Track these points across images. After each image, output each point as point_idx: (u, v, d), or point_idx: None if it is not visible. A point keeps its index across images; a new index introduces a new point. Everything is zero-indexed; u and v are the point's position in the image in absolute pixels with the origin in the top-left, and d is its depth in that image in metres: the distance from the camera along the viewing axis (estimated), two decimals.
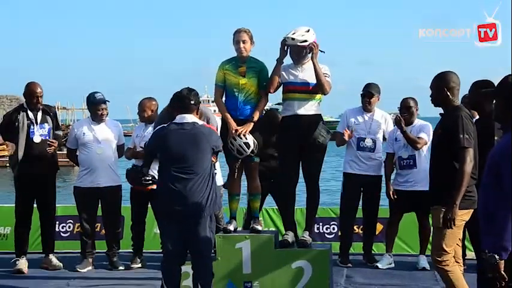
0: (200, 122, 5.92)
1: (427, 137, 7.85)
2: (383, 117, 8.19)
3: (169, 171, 5.74)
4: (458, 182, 5.18)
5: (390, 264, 8.00)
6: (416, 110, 8.07)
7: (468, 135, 5.23)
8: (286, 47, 6.32)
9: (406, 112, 7.98)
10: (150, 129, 7.65)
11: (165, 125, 5.99)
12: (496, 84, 5.93)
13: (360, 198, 8.17)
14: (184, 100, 5.92)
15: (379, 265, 7.94)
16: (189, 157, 5.68)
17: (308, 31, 6.27)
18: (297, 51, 6.30)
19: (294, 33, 6.24)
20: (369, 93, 8.07)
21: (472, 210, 5.27)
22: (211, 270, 5.80)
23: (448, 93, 5.40)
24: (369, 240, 8.29)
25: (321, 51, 6.35)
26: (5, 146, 7.44)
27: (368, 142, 8.02)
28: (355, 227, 8.63)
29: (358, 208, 8.22)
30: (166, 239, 5.85)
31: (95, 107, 8.01)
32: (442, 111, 5.57)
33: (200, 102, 6.10)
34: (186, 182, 5.66)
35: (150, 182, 6.25)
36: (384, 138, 8.19)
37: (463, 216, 5.25)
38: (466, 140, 5.21)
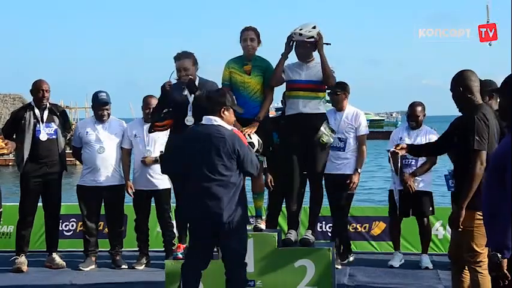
0: (225, 125, 5.63)
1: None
2: (354, 114, 7.96)
3: (189, 175, 5.60)
4: (467, 185, 5.11)
5: (401, 261, 8.01)
6: (424, 115, 8.06)
7: (480, 137, 5.13)
8: (291, 42, 6.33)
9: (414, 121, 8.00)
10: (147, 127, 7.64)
11: (193, 125, 5.98)
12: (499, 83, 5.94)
13: (331, 197, 8.02)
14: (207, 101, 5.81)
15: (393, 263, 7.94)
16: (205, 160, 5.48)
17: (314, 27, 6.30)
18: (303, 47, 6.32)
19: (301, 29, 6.27)
20: (333, 91, 7.90)
21: None
22: (244, 278, 5.64)
23: (465, 91, 5.30)
24: (335, 238, 8.02)
25: (326, 44, 6.36)
26: (3, 144, 7.35)
27: (335, 141, 7.62)
28: (357, 226, 8.73)
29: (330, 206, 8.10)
30: (194, 247, 5.70)
31: (98, 107, 8.03)
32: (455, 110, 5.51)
33: (228, 104, 5.73)
34: (206, 188, 5.46)
35: (162, 115, 6.38)
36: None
37: None
38: (477, 142, 5.12)
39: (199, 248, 5.64)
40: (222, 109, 5.63)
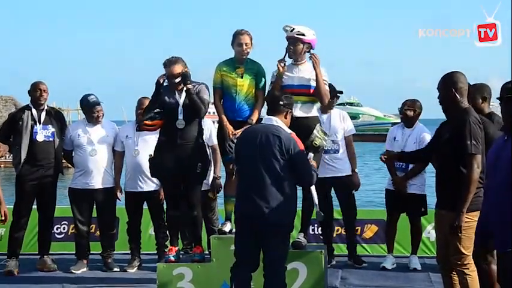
0: (284, 127, 5.65)
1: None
2: (341, 116, 8.03)
3: (245, 173, 5.63)
4: (465, 190, 5.13)
5: (393, 264, 8.02)
6: (415, 112, 8.02)
7: (476, 141, 5.16)
8: (283, 65, 6.36)
9: (404, 118, 8.03)
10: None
11: (253, 125, 6.01)
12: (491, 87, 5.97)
13: (331, 200, 8.12)
14: (275, 101, 5.81)
15: (386, 265, 7.95)
16: (260, 158, 5.47)
17: (309, 30, 6.36)
18: (293, 43, 6.35)
19: (294, 27, 6.34)
20: (340, 92, 7.99)
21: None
22: (283, 280, 5.58)
23: (456, 94, 5.32)
24: (351, 241, 8.23)
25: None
26: None
27: (329, 144, 7.72)
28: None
29: (333, 209, 8.24)
30: (240, 245, 5.66)
31: (90, 109, 7.99)
32: (444, 112, 5.52)
33: (291, 107, 5.82)
34: (259, 186, 5.45)
35: (153, 114, 6.38)
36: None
37: (473, 217, 5.25)
38: (473, 146, 5.14)
39: (246, 247, 5.60)
40: (288, 112, 5.73)
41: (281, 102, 5.73)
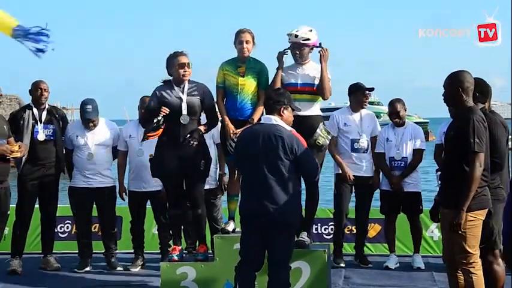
0: (284, 125, 5.63)
1: (424, 144, 8.01)
2: (369, 115, 8.08)
3: (247, 172, 5.65)
4: (467, 188, 5.13)
5: (397, 264, 8.02)
6: (405, 110, 8.09)
7: (479, 139, 5.16)
8: (283, 57, 6.36)
9: (396, 117, 8.03)
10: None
11: (251, 125, 6.01)
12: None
13: (350, 199, 8.14)
14: (267, 100, 5.81)
15: (389, 265, 7.95)
16: (264, 159, 5.46)
17: (311, 31, 6.38)
18: (299, 48, 6.36)
19: (297, 31, 6.35)
20: (371, 89, 8.06)
21: (487, 209, 5.29)
22: (287, 280, 5.58)
23: (462, 93, 5.32)
24: (361, 240, 8.25)
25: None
26: (16, 147, 7.33)
27: (362, 143, 7.92)
28: (353, 228, 8.64)
29: (348, 209, 8.22)
30: (244, 244, 5.66)
31: (83, 120, 7.96)
32: (449, 111, 5.51)
33: (287, 103, 5.77)
34: (263, 186, 5.45)
35: (155, 125, 6.34)
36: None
37: (478, 216, 5.25)
38: (477, 144, 5.14)
39: (251, 246, 5.60)
40: (282, 108, 5.67)
41: (271, 101, 5.73)
